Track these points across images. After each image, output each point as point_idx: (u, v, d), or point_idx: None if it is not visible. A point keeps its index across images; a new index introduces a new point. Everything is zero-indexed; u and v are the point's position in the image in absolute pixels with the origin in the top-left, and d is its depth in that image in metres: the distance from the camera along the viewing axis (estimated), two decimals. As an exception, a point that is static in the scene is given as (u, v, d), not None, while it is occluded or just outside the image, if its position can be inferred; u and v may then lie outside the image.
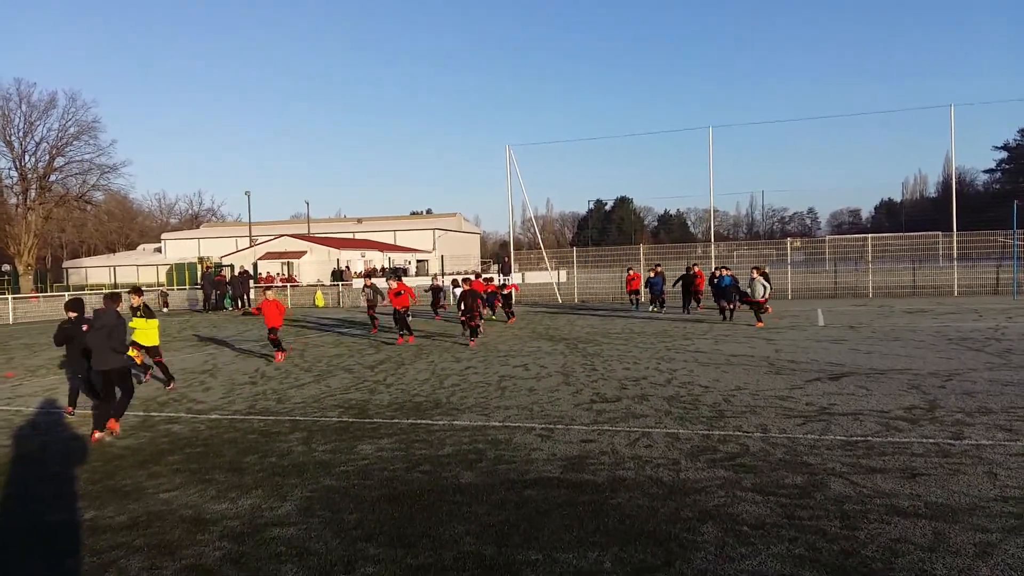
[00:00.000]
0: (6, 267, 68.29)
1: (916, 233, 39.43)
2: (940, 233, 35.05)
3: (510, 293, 26.10)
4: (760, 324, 20.28)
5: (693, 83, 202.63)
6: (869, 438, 8.07)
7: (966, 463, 7.03)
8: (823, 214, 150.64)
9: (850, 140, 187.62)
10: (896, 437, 8.08)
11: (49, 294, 42.05)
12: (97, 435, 9.32)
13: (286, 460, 8.07)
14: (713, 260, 35.69)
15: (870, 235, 37.22)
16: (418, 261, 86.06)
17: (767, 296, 21.09)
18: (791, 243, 37.94)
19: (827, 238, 46.73)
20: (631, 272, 29.16)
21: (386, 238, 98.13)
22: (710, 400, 10.45)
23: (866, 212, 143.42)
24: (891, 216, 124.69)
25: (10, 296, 36.56)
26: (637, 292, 28.77)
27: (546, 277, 39.64)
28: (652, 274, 27.08)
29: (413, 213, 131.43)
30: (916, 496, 6.15)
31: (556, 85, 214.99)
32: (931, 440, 7.91)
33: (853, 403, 9.89)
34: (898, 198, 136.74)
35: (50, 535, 6.08)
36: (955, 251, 32.21)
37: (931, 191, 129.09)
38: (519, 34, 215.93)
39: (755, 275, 21.18)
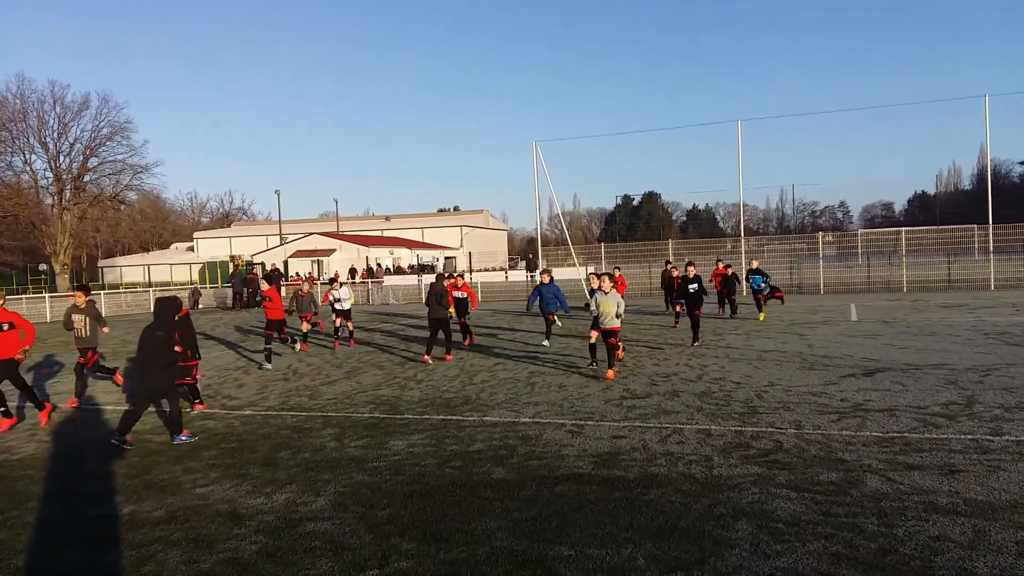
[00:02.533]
0: (43, 267, 69.64)
1: (951, 226, 38.75)
2: (975, 226, 34.40)
3: (462, 301, 18.31)
4: (611, 374, 12.21)
5: (721, 76, 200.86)
6: (906, 434, 7.95)
7: (1006, 459, 6.91)
8: (855, 208, 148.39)
9: (882, 132, 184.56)
10: (933, 433, 7.95)
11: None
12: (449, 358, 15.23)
13: (319, 456, 8.15)
14: (743, 256, 35.33)
15: (904, 229, 36.75)
16: (446, 258, 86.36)
17: (620, 320, 12.41)
18: (823, 237, 37.50)
19: (859, 232, 46.20)
20: (617, 275, 23.50)
21: (414, 235, 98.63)
22: (742, 396, 10.37)
23: (899, 205, 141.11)
24: (925, 209, 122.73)
25: (47, 295, 37.28)
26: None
27: (574, 273, 39.58)
28: (545, 279, 16.76)
29: (441, 210, 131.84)
30: (955, 493, 6.05)
31: (582, 80, 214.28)
32: (969, 436, 7.77)
33: (889, 399, 9.75)
34: (932, 191, 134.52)
35: (90, 529, 6.20)
36: (991, 244, 31.61)
37: (965, 183, 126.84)
38: (545, 30, 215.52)
39: (595, 283, 12.89)
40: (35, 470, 8.19)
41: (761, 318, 20.67)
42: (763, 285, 21.38)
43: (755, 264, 22.13)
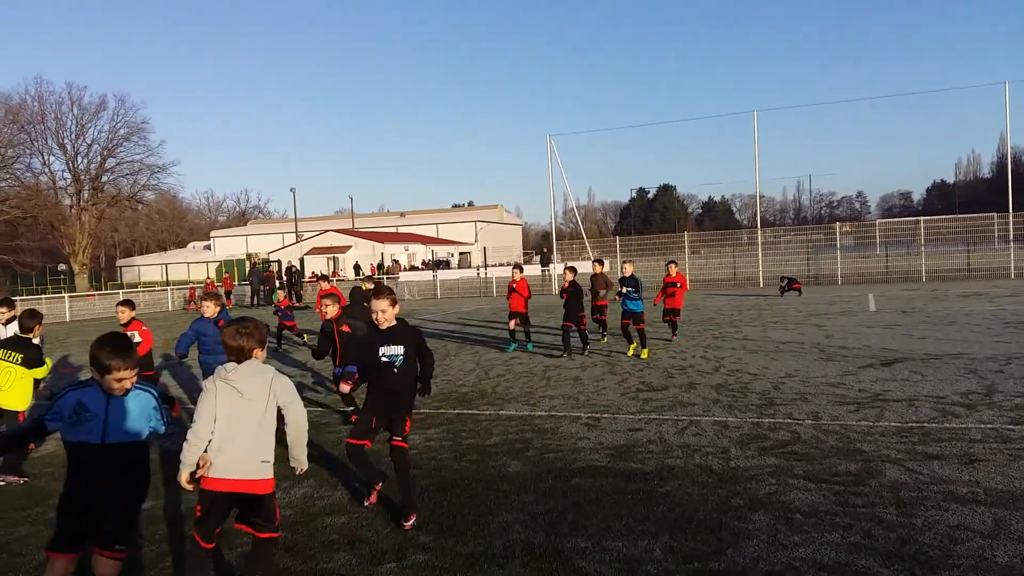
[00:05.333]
0: (62, 267, 70.32)
1: (970, 215, 38.35)
2: (995, 214, 34.01)
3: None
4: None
5: (737, 66, 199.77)
6: (925, 424, 7.89)
7: (1027, 449, 6.84)
8: (873, 198, 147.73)
9: (900, 121, 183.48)
10: (953, 423, 7.88)
11: (104, 292, 43.18)
12: None
13: (336, 450, 8.17)
14: (760, 248, 35.05)
15: (922, 218, 36.36)
16: (461, 253, 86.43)
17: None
18: (840, 227, 37.23)
19: (877, 222, 45.81)
20: (518, 277, 15.87)
21: (429, 231, 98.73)
22: (759, 388, 10.32)
23: (918, 195, 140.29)
24: (944, 198, 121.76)
25: (66, 295, 37.63)
26: (520, 317, 15.62)
27: (589, 267, 39.51)
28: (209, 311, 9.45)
29: (455, 206, 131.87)
30: (975, 483, 6.00)
31: (597, 73, 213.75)
32: (989, 426, 7.70)
33: (907, 389, 9.67)
34: (951, 179, 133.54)
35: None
36: (1011, 233, 31.26)
37: (985, 171, 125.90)
38: (558, 23, 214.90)
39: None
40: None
41: (631, 352, 13.97)
42: (637, 298, 13.92)
43: (629, 270, 14.48)
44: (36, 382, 8.09)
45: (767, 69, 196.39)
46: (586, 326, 14.68)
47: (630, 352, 14.02)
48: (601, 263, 16.38)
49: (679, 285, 15.74)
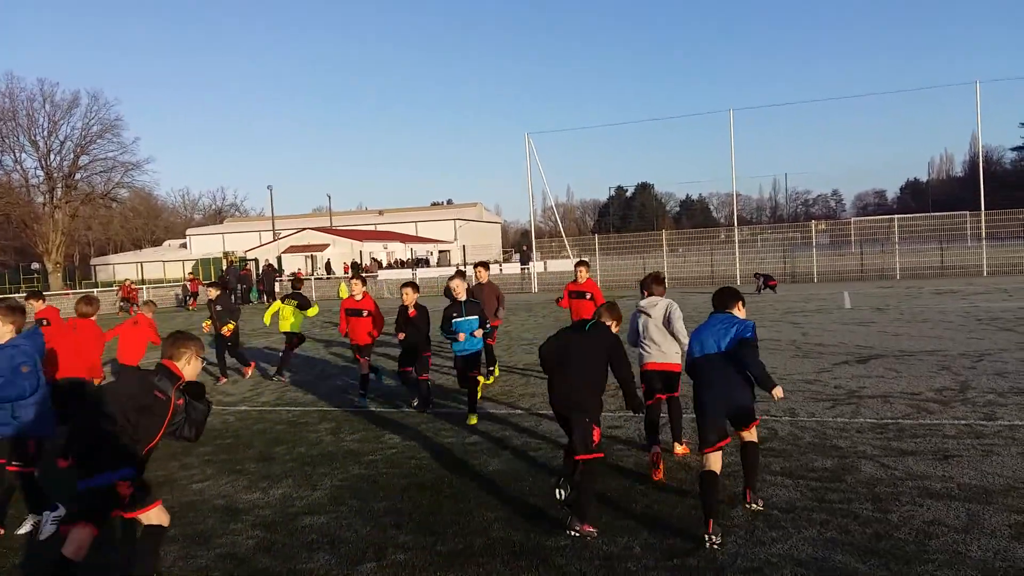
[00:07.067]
0: (35, 265, 69.29)
1: (943, 213, 38.88)
2: (968, 212, 34.51)
3: None
4: None
5: (713, 65, 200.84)
6: (900, 420, 7.99)
7: (999, 444, 6.94)
8: (848, 196, 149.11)
9: (874, 120, 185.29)
10: (927, 419, 7.99)
11: (79, 291, 42.62)
12: None
13: (315, 450, 8.15)
14: (737, 246, 35.25)
15: (896, 216, 36.76)
16: (440, 252, 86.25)
17: None
18: (816, 226, 37.60)
19: (852, 220, 46.31)
20: (358, 294, 10.88)
21: (408, 229, 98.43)
22: (737, 385, 10.36)
23: (891, 193, 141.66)
24: (917, 196, 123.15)
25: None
26: (364, 352, 10.78)
27: (568, 265, 39.60)
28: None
29: (434, 204, 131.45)
30: (949, 478, 6.08)
31: (575, 72, 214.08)
32: (963, 421, 7.81)
33: (882, 385, 9.79)
34: (924, 178, 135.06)
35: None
36: (983, 230, 31.68)
37: (958, 170, 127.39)
38: (537, 20, 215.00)
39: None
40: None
41: (472, 420, 9.02)
42: (481, 331, 9.41)
43: (460, 290, 9.72)
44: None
45: (743, 68, 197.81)
46: (428, 375, 9.96)
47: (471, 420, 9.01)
48: (486, 267, 11.51)
49: (589, 296, 10.72)
